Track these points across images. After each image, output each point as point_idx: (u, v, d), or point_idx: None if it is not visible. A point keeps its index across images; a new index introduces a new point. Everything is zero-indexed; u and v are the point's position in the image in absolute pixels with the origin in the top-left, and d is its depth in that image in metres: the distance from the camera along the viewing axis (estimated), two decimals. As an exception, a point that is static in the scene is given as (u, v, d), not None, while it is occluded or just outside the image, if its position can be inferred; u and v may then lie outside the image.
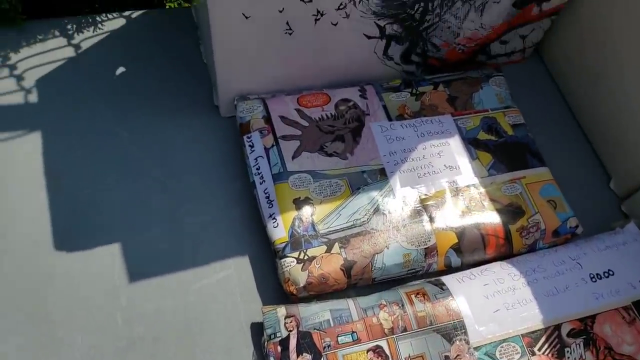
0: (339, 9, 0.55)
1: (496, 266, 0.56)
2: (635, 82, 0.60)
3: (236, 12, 0.51)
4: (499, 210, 0.58)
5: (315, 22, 0.55)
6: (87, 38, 0.69)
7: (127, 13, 0.72)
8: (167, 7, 0.76)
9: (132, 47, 0.69)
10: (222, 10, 0.51)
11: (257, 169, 0.58)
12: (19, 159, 0.59)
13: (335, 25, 0.56)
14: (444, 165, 0.60)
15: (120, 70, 0.67)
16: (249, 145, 0.59)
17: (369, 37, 0.60)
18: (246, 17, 0.52)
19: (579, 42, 0.68)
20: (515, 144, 0.63)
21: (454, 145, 0.61)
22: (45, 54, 0.66)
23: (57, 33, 0.68)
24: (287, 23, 0.54)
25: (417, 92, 0.64)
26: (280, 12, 0.53)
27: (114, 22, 0.71)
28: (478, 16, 0.62)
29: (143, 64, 0.68)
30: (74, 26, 0.69)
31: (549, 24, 0.69)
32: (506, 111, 0.65)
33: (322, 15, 0.54)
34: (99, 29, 0.70)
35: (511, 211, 0.58)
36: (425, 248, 0.55)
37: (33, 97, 0.63)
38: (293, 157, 0.58)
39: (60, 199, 0.58)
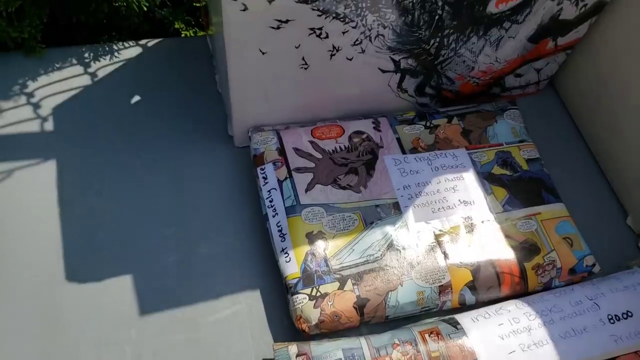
0: (354, 44, 0.55)
1: (511, 305, 0.55)
2: (652, 119, 0.59)
3: (253, 48, 0.52)
4: (514, 247, 0.57)
5: (331, 57, 0.55)
6: (104, 66, 0.69)
7: (143, 41, 0.72)
8: (183, 35, 0.77)
9: (147, 76, 0.70)
10: (239, 46, 0.51)
11: (270, 201, 0.57)
12: (33, 187, 0.60)
13: (351, 60, 0.56)
14: (459, 200, 0.59)
15: (136, 98, 0.68)
16: (263, 177, 0.59)
17: (383, 71, 0.60)
18: (263, 53, 0.52)
19: (593, 76, 0.67)
20: (530, 179, 0.62)
21: (469, 180, 0.61)
22: (62, 82, 0.67)
23: (74, 61, 0.69)
24: (303, 58, 0.54)
25: (431, 125, 0.64)
26: (297, 48, 0.53)
27: (130, 51, 0.71)
28: (493, 50, 0.62)
29: (158, 92, 0.68)
30: (91, 54, 0.70)
31: (563, 57, 0.68)
32: (521, 145, 0.64)
33: (337, 50, 0.55)
34: (115, 57, 0.70)
35: (526, 248, 0.57)
36: (439, 286, 0.54)
37: (49, 126, 0.64)
38: (306, 190, 0.58)
39: (73, 228, 0.58)
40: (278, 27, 0.50)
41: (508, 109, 0.67)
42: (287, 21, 0.50)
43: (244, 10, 0.47)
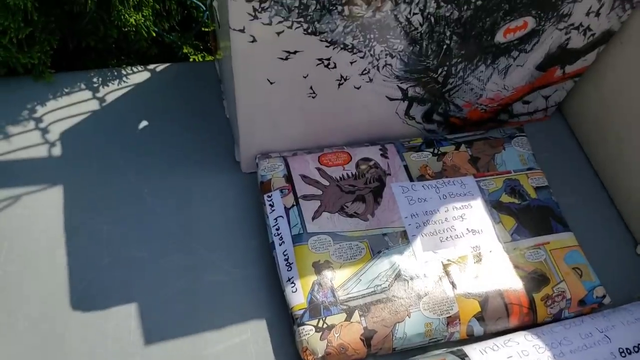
0: (362, 74, 0.55)
1: (520, 337, 0.54)
2: (662, 148, 0.59)
3: (261, 78, 0.52)
4: (522, 278, 0.57)
5: (339, 86, 0.55)
6: (112, 91, 0.70)
7: (151, 66, 0.73)
8: (191, 59, 0.78)
9: (155, 101, 0.70)
10: (248, 76, 0.51)
11: (277, 229, 0.57)
12: (40, 212, 0.60)
13: (358, 88, 0.56)
14: (467, 229, 0.59)
15: (144, 123, 0.68)
16: (269, 205, 0.59)
17: (391, 99, 0.60)
18: (271, 83, 0.52)
19: (601, 103, 0.67)
20: (538, 207, 0.62)
21: (477, 208, 0.60)
22: (71, 107, 0.68)
23: (82, 86, 0.70)
24: (311, 87, 0.55)
25: (439, 152, 0.64)
26: (305, 77, 0.53)
27: (138, 76, 0.72)
28: (501, 78, 0.62)
29: (166, 117, 0.69)
30: (100, 79, 0.70)
31: (571, 84, 0.68)
32: (529, 173, 0.64)
33: (345, 80, 0.55)
34: (124, 82, 0.71)
35: (535, 279, 0.57)
36: (447, 317, 0.53)
37: (57, 151, 0.64)
38: (313, 218, 0.58)
39: (79, 254, 0.57)
40: (286, 58, 0.50)
41: (516, 136, 0.67)
42: (295, 52, 0.50)
43: (252, 41, 0.48)
